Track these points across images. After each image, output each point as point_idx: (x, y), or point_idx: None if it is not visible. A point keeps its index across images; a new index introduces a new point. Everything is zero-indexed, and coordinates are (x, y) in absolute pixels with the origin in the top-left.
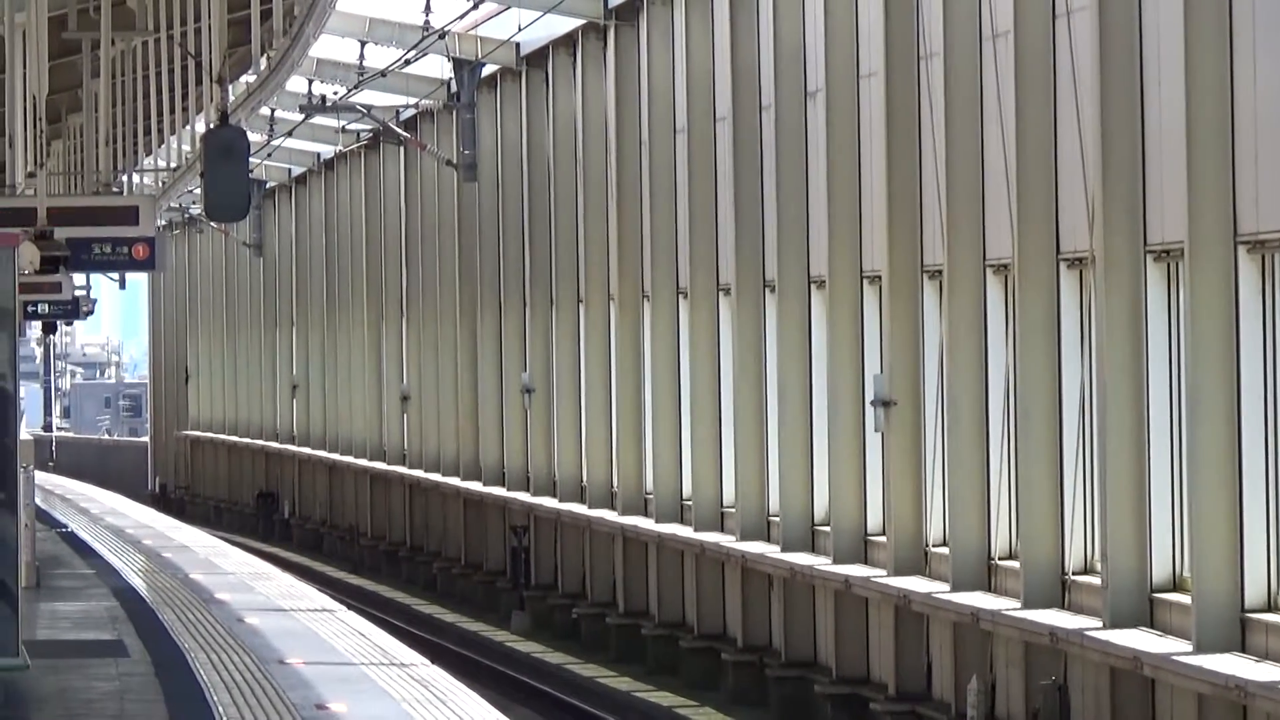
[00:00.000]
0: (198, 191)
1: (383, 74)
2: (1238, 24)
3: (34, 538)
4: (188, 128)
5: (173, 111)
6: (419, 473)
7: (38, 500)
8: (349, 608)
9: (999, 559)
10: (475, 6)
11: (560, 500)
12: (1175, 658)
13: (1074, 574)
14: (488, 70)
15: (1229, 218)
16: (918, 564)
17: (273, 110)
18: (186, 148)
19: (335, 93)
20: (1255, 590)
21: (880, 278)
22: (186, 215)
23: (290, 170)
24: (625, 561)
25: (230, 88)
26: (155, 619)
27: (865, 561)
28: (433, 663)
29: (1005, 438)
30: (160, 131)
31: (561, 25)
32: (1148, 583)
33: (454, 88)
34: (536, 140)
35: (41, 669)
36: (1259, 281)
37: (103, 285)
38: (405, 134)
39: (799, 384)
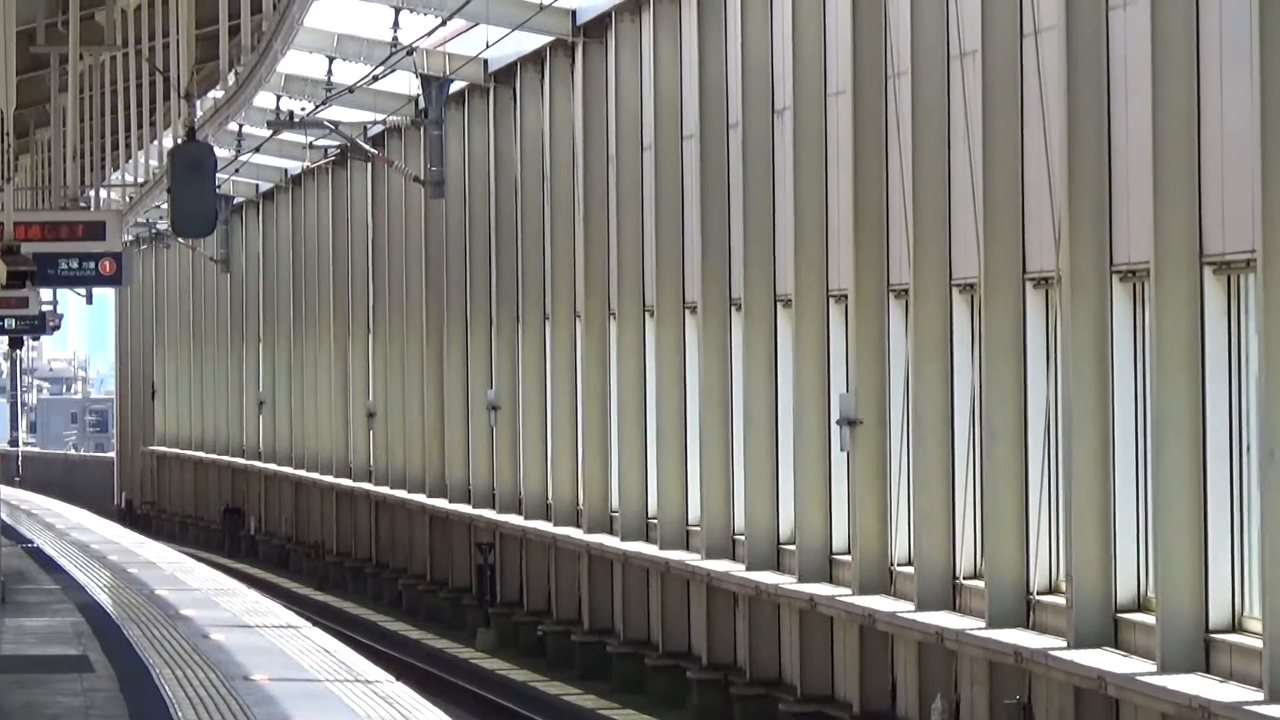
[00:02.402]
0: (165, 207)
1: (350, 90)
2: (1204, 44)
3: None
4: (155, 143)
5: (140, 127)
6: (385, 489)
7: (3, 515)
8: (314, 624)
9: (964, 578)
10: (444, 23)
11: (526, 518)
12: (1140, 678)
13: (1039, 594)
14: (456, 87)
15: (1195, 238)
16: (883, 583)
17: (240, 126)
18: (154, 163)
19: (303, 108)
20: (1219, 610)
21: (846, 296)
22: (154, 230)
23: (258, 186)
24: (591, 579)
25: (198, 103)
26: (120, 634)
27: (830, 580)
28: (398, 679)
29: (971, 457)
30: (128, 147)
31: (530, 42)
32: (1112, 603)
33: (422, 104)
34: (504, 157)
35: (6, 684)
36: (1225, 302)
37: (70, 300)
38: (373, 150)
39: (765, 402)
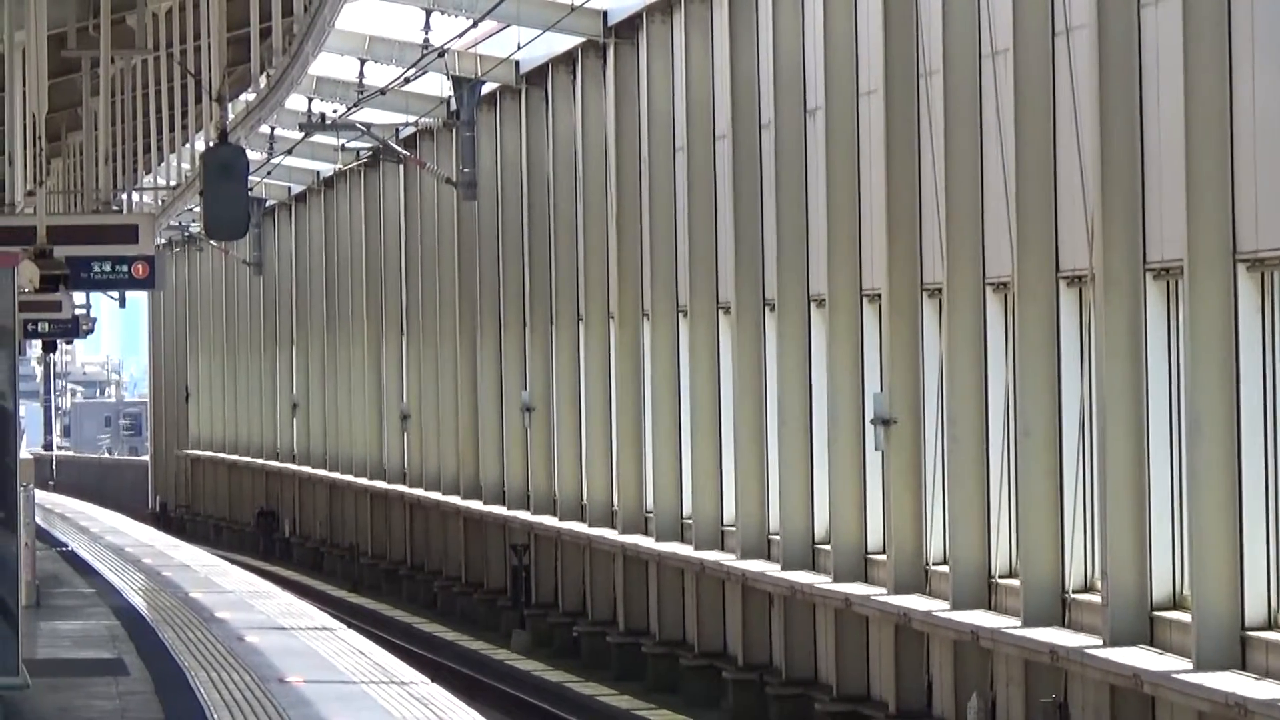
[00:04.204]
0: (197, 210)
1: (382, 92)
2: (1237, 42)
3: (34, 556)
4: (187, 146)
5: (172, 130)
6: (419, 491)
7: (38, 519)
8: (349, 626)
9: (999, 577)
10: (475, 24)
11: (560, 519)
12: (1175, 675)
13: (1074, 592)
14: (487, 88)
15: (1228, 236)
16: (918, 582)
17: (272, 128)
18: (186, 166)
19: (335, 111)
20: (1255, 608)
21: (880, 296)
22: (186, 233)
23: (290, 188)
24: (625, 580)
25: (230, 106)
26: (155, 637)
27: (865, 580)
28: (433, 681)
29: (1005, 456)
30: (160, 150)
31: (561, 43)
32: (1148, 600)
33: (454, 106)
34: (536, 158)
35: (42, 688)
36: (1258, 299)
37: (102, 304)
38: (405, 152)
39: (799, 402)
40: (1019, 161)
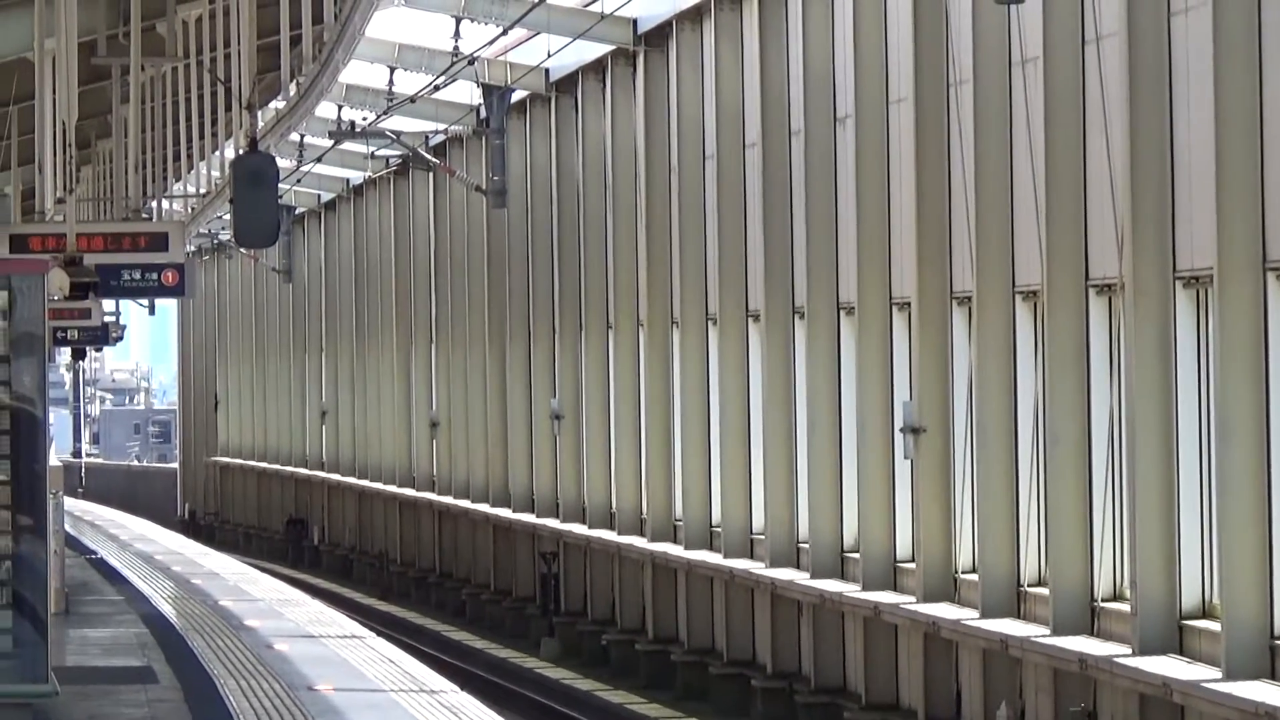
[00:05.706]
0: (227, 217)
1: (412, 100)
2: (1267, 49)
3: (63, 564)
4: (217, 153)
5: (202, 137)
6: (448, 499)
7: (67, 526)
8: (378, 634)
9: (1028, 585)
10: (505, 32)
11: (589, 527)
12: (1205, 684)
13: (1103, 601)
14: (517, 96)
15: (1258, 244)
16: (947, 591)
17: (302, 136)
18: (216, 174)
19: (364, 118)
20: None
21: (909, 304)
22: (216, 241)
23: (320, 196)
24: (655, 588)
25: (260, 113)
26: (184, 645)
27: (894, 588)
28: (462, 689)
29: (1034, 464)
30: (190, 157)
31: (591, 51)
32: (1177, 609)
33: (483, 113)
34: (566, 166)
35: (71, 696)
36: None
37: (132, 311)
38: (434, 160)
39: (828, 410)
40: (1049, 170)
